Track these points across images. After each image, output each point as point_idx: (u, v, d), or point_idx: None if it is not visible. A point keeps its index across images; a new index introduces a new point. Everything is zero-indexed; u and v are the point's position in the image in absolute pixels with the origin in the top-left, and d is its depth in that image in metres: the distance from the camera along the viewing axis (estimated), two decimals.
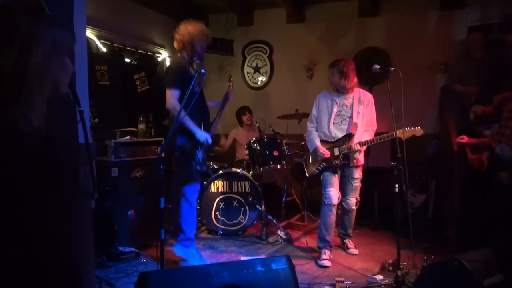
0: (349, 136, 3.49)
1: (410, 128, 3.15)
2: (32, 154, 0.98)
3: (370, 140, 3.40)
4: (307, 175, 3.81)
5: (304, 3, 5.57)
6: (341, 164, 3.51)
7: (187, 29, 3.14)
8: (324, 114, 3.60)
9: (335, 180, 3.53)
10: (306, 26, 5.63)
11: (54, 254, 1.10)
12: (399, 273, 2.78)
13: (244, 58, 6.04)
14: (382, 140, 3.33)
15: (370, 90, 4.75)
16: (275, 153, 4.34)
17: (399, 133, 3.08)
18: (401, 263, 2.90)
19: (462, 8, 4.77)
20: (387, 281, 2.95)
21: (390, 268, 3.16)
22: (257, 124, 4.78)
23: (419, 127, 3.17)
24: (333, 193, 3.48)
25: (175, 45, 3.24)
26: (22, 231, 1.01)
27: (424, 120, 4.88)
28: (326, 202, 3.49)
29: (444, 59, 4.84)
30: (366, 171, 3.82)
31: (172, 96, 3.11)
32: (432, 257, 3.20)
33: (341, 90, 3.56)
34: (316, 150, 3.56)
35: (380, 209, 4.64)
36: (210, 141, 3.20)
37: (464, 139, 3.47)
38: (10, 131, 0.95)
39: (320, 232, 3.56)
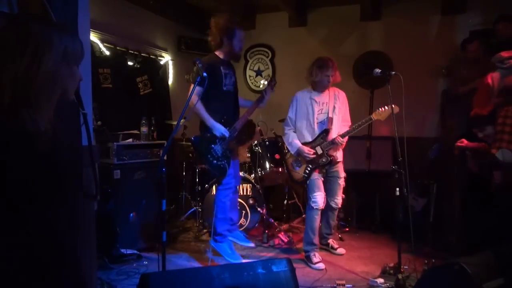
0: (326, 132, 3.49)
1: (383, 108, 3.27)
2: (38, 155, 1.01)
3: (349, 130, 3.44)
4: (295, 180, 3.68)
5: (306, 7, 5.60)
6: (328, 161, 3.50)
7: (222, 21, 3.16)
8: (305, 115, 3.57)
9: (321, 183, 3.55)
10: (308, 30, 5.66)
11: (58, 255, 1.12)
12: (400, 276, 2.79)
13: (246, 62, 6.07)
14: (361, 126, 3.41)
15: (371, 94, 4.77)
16: (277, 156, 4.35)
17: (375, 115, 3.33)
18: (402, 266, 2.91)
19: (464, 12, 4.79)
20: (388, 284, 2.95)
21: (391, 271, 3.16)
22: (258, 128, 4.80)
23: (393, 105, 3.19)
24: (320, 198, 3.48)
25: (213, 41, 3.21)
26: (27, 232, 1.03)
27: (425, 124, 4.91)
28: (314, 207, 3.48)
29: (445, 63, 4.85)
30: (367, 174, 3.83)
31: (193, 91, 3.11)
32: (433, 260, 3.21)
33: (323, 88, 3.56)
34: (300, 152, 3.51)
35: (381, 212, 4.64)
36: (227, 134, 3.17)
37: (464, 142, 3.47)
38: (19, 132, 0.98)
39: (307, 237, 3.55)
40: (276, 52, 5.91)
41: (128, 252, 3.49)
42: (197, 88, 3.00)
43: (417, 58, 4.95)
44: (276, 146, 4.44)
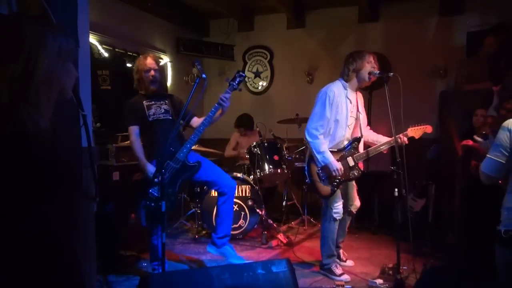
0: (358, 141, 3.18)
1: (418, 126, 3.14)
2: (38, 155, 1.02)
3: (386, 142, 3.14)
4: (322, 194, 3.18)
5: (304, 9, 5.62)
6: (358, 175, 3.17)
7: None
8: (339, 115, 3.10)
9: (340, 191, 3.25)
10: (306, 32, 5.67)
11: (58, 256, 1.12)
12: (399, 277, 2.79)
13: (245, 63, 6.08)
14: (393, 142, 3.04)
15: (369, 95, 4.79)
16: (276, 157, 4.36)
17: (410, 131, 3.13)
18: (401, 267, 2.91)
19: (461, 13, 4.82)
20: (387, 285, 2.96)
21: (390, 272, 3.16)
22: (257, 129, 4.81)
23: (425, 124, 3.16)
24: (341, 207, 3.21)
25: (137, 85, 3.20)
26: (27, 233, 1.03)
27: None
28: (337, 218, 3.18)
29: (443, 64, 4.87)
30: (366, 175, 3.81)
31: (130, 134, 3.07)
32: (432, 261, 3.21)
33: (361, 84, 3.18)
34: (329, 167, 3.04)
35: (380, 213, 4.65)
36: (151, 175, 2.90)
37: (470, 142, 3.50)
38: (19, 132, 0.99)
39: (328, 249, 3.23)
40: (274, 54, 5.93)
41: (127, 253, 3.48)
42: (134, 129, 3.04)
43: (415, 59, 4.97)
44: (275, 147, 4.44)
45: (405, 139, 3.10)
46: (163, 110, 3.12)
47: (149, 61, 3.08)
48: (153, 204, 2.90)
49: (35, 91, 1.03)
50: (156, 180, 2.79)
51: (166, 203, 2.67)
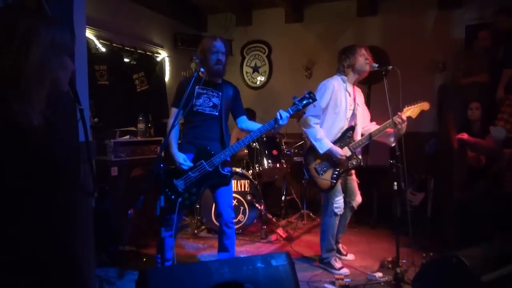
0: (352, 129, 3.18)
1: (414, 104, 3.10)
2: (33, 150, 1.00)
3: (382, 126, 3.13)
4: (321, 188, 3.18)
5: (303, 3, 5.59)
6: (358, 164, 3.15)
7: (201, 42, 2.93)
8: (338, 108, 3.14)
9: (340, 185, 3.23)
10: (305, 26, 5.65)
11: (56, 251, 1.11)
12: (398, 270, 2.79)
13: (243, 58, 6.06)
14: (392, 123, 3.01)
15: (368, 89, 4.78)
16: (274, 152, 4.35)
17: (406, 111, 3.09)
18: (400, 260, 2.91)
19: (460, 7, 4.80)
20: (386, 278, 2.96)
21: (390, 265, 3.18)
22: None
23: (421, 101, 3.12)
24: (342, 202, 3.21)
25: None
26: (24, 228, 1.02)
27: (422, 119, 4.90)
28: (338, 213, 3.18)
29: (442, 58, 4.85)
30: (365, 169, 3.80)
31: (170, 115, 2.95)
32: (431, 254, 3.22)
33: (361, 76, 3.21)
34: (332, 153, 3.06)
35: (379, 207, 4.66)
36: (184, 167, 2.72)
37: (464, 135, 3.49)
38: (11, 126, 0.97)
39: (327, 244, 3.24)
40: (273, 48, 5.90)
41: (126, 248, 3.48)
42: (174, 111, 2.85)
43: (414, 53, 4.95)
44: (273, 142, 4.43)
45: (404, 116, 3.01)
46: (211, 104, 2.87)
47: (218, 44, 2.86)
48: (173, 197, 2.72)
49: (26, 84, 1.01)
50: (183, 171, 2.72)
51: (185, 201, 2.72)
